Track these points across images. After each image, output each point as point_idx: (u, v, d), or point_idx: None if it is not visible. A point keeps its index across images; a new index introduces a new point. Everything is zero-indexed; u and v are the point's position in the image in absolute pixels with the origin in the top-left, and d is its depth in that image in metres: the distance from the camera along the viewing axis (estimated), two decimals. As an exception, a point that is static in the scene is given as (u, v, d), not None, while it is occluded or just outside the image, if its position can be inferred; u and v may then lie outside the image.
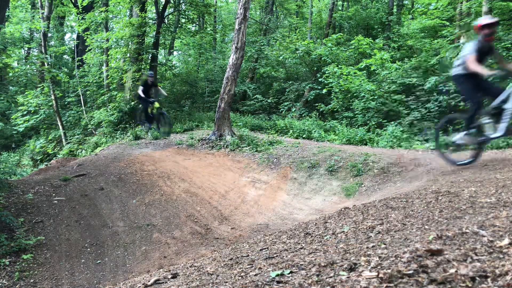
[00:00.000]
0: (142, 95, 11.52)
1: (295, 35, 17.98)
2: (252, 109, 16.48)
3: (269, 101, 16.63)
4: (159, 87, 12.42)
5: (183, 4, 17.27)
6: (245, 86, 17.48)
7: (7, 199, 7.00)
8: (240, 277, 2.06)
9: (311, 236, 3.13)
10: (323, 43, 16.55)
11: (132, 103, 15.37)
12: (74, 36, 23.58)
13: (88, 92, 18.40)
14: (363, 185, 7.63)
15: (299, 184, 8.31)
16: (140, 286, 2.42)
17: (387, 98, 12.83)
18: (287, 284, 1.66)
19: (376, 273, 1.54)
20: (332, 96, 14.32)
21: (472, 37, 9.55)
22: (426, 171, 6.80)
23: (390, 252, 1.84)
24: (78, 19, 17.00)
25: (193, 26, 19.98)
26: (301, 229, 3.67)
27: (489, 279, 1.34)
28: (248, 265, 2.38)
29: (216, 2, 23.93)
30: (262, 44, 18.45)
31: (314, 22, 21.56)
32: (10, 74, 20.91)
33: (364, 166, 8.17)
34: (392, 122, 11.91)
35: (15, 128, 16.90)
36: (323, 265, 1.85)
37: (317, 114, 14.24)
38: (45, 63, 15.73)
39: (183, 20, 18.30)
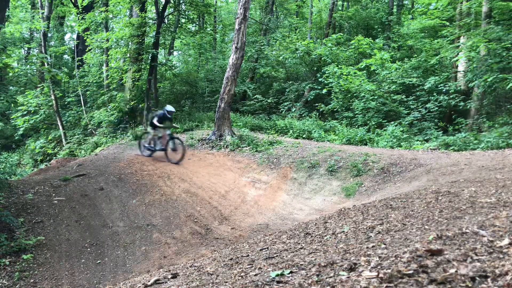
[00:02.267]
0: None
1: (295, 35, 17.96)
2: (252, 109, 16.48)
3: (269, 101, 16.64)
4: None
5: (183, 4, 17.27)
6: (245, 86, 17.48)
7: (7, 199, 7.00)
8: (240, 277, 2.06)
9: (311, 236, 3.13)
10: (323, 43, 16.55)
11: (132, 103, 15.37)
12: (74, 36, 23.58)
13: (88, 92, 18.41)
14: (363, 185, 7.64)
15: (299, 184, 8.31)
16: (140, 286, 2.42)
17: (387, 98, 12.83)
18: (287, 284, 1.66)
19: (376, 273, 1.54)
20: (332, 96, 14.31)
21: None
22: (426, 171, 6.80)
23: (390, 252, 1.84)
24: (78, 19, 16.99)
25: (193, 26, 19.96)
26: (301, 229, 3.67)
27: (489, 279, 1.34)
28: (248, 265, 2.38)
29: (216, 2, 23.93)
30: (262, 44, 18.45)
31: (314, 22, 21.56)
32: (10, 74, 20.91)
33: (364, 166, 8.17)
34: (392, 122, 11.91)
35: (16, 131, 16.89)
36: (323, 265, 1.85)
37: (317, 114, 14.24)
38: (45, 63, 15.71)
39: (183, 20, 18.30)
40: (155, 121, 9.76)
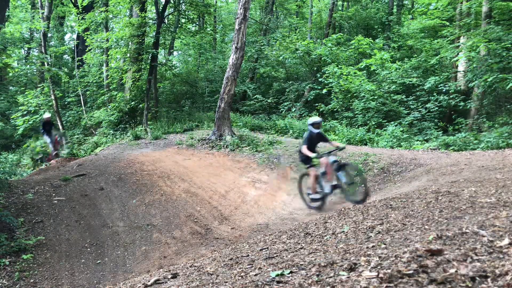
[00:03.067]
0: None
1: (295, 35, 17.96)
2: (252, 109, 16.48)
3: (269, 101, 16.64)
4: None
5: (183, 4, 17.27)
6: (245, 86, 17.48)
7: (7, 199, 7.00)
8: (240, 277, 2.05)
9: (311, 236, 3.13)
10: (323, 43, 16.55)
11: (133, 103, 15.36)
12: (74, 36, 23.58)
13: (88, 92, 18.41)
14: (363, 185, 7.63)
15: (299, 184, 8.30)
16: (140, 286, 2.42)
17: (387, 98, 12.84)
18: (287, 284, 1.66)
19: (376, 273, 1.54)
20: (332, 96, 14.32)
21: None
22: (426, 171, 6.80)
23: (390, 252, 1.84)
24: (78, 19, 16.99)
25: (193, 26, 19.96)
26: (301, 229, 3.67)
27: (489, 279, 1.34)
28: (248, 265, 2.38)
29: (216, 2, 23.93)
30: (262, 44, 18.45)
31: (314, 22, 21.55)
32: (10, 74, 20.91)
33: (364, 166, 8.17)
34: (392, 122, 11.91)
35: (16, 131, 16.90)
36: (323, 265, 1.85)
37: (317, 114, 14.24)
38: (45, 63, 15.72)
39: (183, 20, 18.29)
40: (304, 149, 6.47)
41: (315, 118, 6.78)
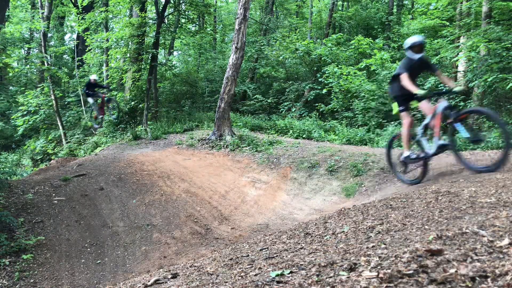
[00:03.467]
0: None
1: (295, 35, 17.95)
2: (252, 109, 16.48)
3: (269, 101, 16.64)
4: None
5: (183, 4, 17.27)
6: (245, 86, 17.49)
7: (7, 199, 7.00)
8: (240, 277, 2.06)
9: (311, 236, 3.13)
10: (323, 43, 16.55)
11: (133, 103, 15.37)
12: (74, 36, 23.60)
13: (88, 92, 18.38)
14: (363, 185, 7.63)
15: (299, 184, 8.31)
16: (140, 286, 2.42)
17: (387, 98, 12.83)
18: (287, 284, 1.66)
19: (376, 273, 1.54)
20: (332, 96, 14.31)
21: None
22: (426, 171, 6.79)
23: (390, 252, 1.84)
24: (78, 19, 16.98)
25: (193, 26, 19.97)
26: (301, 229, 3.67)
27: (489, 279, 1.34)
28: (248, 265, 2.38)
29: (216, 2, 23.94)
30: (262, 44, 18.45)
31: (314, 22, 21.56)
32: (10, 74, 20.93)
33: (364, 166, 8.16)
34: (392, 122, 11.90)
35: (16, 131, 16.89)
36: (323, 265, 1.85)
37: (317, 114, 14.24)
38: (45, 63, 15.72)
39: (183, 20, 18.30)
40: (404, 78, 4.61)
41: (415, 38, 4.85)
